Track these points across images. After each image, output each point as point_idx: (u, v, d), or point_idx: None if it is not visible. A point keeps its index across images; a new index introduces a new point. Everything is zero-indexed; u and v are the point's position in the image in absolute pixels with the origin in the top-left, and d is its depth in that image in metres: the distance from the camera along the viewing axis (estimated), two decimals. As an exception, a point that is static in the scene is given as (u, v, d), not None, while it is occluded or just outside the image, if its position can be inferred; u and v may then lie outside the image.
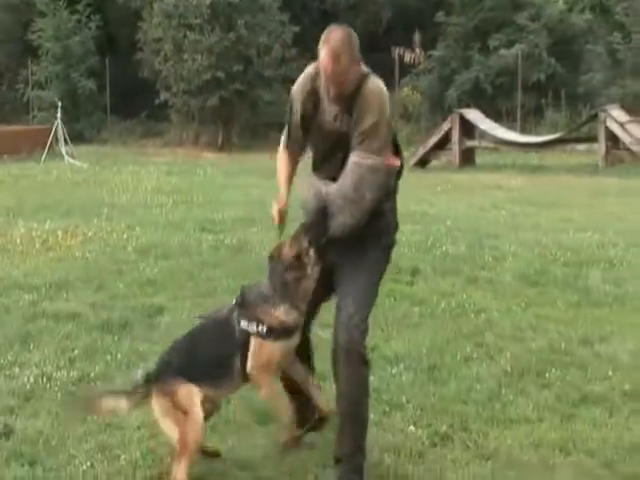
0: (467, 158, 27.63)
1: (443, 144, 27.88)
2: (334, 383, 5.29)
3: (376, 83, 5.10)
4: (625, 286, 9.78)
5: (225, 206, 15.84)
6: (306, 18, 39.06)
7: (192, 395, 4.89)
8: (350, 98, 5.02)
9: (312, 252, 5.02)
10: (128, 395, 5.05)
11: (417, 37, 38.48)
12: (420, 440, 5.85)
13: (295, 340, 5.13)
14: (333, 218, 5.01)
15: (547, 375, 7.07)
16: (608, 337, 8.04)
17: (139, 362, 6.98)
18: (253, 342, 4.94)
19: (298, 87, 5.26)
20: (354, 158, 5.00)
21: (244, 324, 4.95)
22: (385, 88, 5.18)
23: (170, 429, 4.91)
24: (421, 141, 29.37)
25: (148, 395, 4.99)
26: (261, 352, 4.95)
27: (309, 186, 5.27)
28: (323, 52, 4.91)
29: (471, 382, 6.98)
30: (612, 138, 24.11)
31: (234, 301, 5.11)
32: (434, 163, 28.05)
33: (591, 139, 25.77)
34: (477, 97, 34.46)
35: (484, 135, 28.05)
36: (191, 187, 19.40)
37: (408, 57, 38.46)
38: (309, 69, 5.25)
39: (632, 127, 23.94)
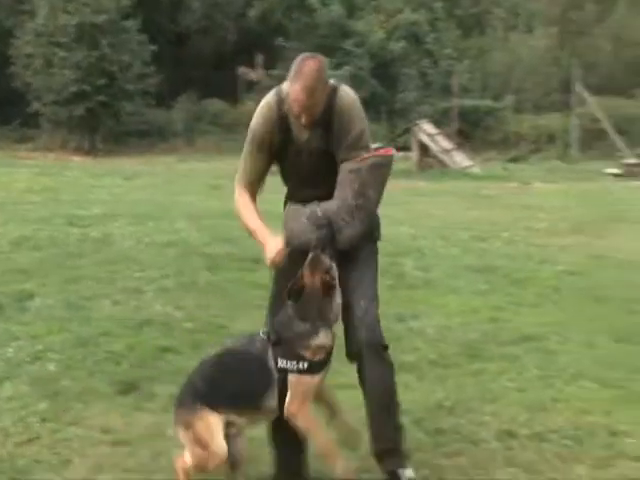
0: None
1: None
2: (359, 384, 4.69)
3: (346, 93, 4.52)
4: (432, 272, 10.05)
5: (91, 203, 15.50)
6: (162, 39, 38.94)
7: (212, 428, 4.17)
8: (323, 115, 4.42)
9: (334, 270, 4.35)
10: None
11: (259, 58, 38.68)
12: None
13: (330, 363, 4.45)
14: (340, 233, 4.42)
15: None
16: (418, 315, 8.16)
17: (10, 341, 6.89)
18: (291, 379, 4.26)
19: (261, 119, 4.56)
20: (349, 167, 4.44)
21: (282, 363, 4.24)
22: (354, 93, 4.58)
23: (190, 456, 4.23)
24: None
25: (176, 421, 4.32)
26: (299, 387, 4.26)
27: (294, 217, 4.58)
28: (297, 86, 4.29)
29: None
30: (423, 147, 25.06)
31: (264, 336, 4.34)
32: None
33: (406, 148, 26.33)
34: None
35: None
36: (60, 186, 18.93)
37: (252, 75, 38.66)
38: (269, 98, 4.57)
39: (439, 138, 25.05)
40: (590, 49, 36.29)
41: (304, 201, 4.54)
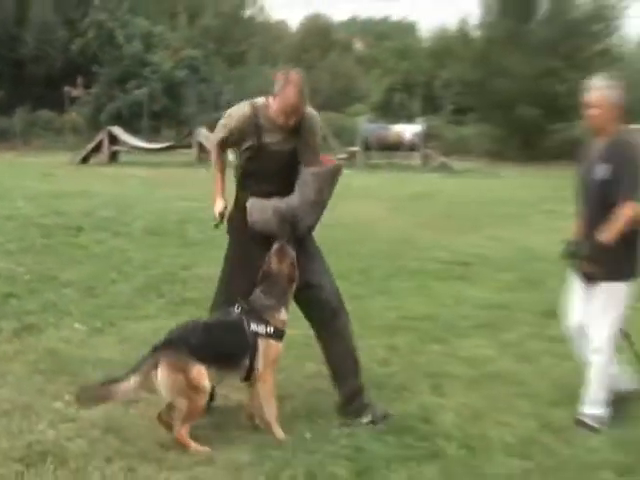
0: (113, 158, 29.34)
1: (98, 148, 29.15)
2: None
3: (310, 107, 4.40)
4: (208, 233, 9.07)
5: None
6: (3, 64, 40.33)
7: (202, 375, 4.02)
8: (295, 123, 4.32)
9: (295, 259, 4.29)
10: (135, 371, 4.01)
11: (80, 80, 41.29)
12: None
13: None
14: (300, 223, 4.37)
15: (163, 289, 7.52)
16: (198, 263, 8.57)
17: None
18: (261, 343, 4.18)
19: (239, 117, 4.38)
20: (311, 170, 4.36)
21: (254, 326, 4.16)
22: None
23: (179, 402, 4.01)
24: (83, 146, 30.41)
25: (156, 364, 4.01)
26: (269, 351, 4.17)
27: (260, 209, 4.37)
28: (291, 90, 4.20)
29: (117, 295, 7.19)
30: (201, 146, 27.25)
31: (239, 308, 4.22)
32: (93, 161, 28.94)
33: (189, 146, 28.57)
34: (119, 119, 36.82)
35: (124, 143, 29.66)
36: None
37: (74, 93, 41.48)
38: (244, 109, 4.41)
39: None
40: (314, 78, 41.87)
41: (263, 195, 4.38)
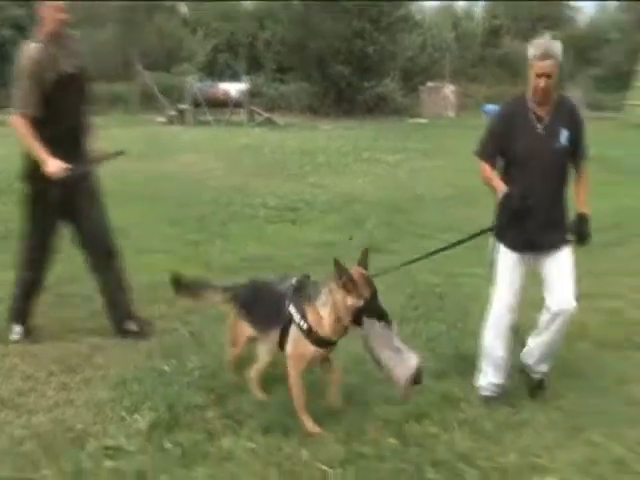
0: None
1: None
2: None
3: None
4: None
5: None
6: None
7: (244, 330, 3.86)
8: None
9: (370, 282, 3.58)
10: (220, 293, 4.01)
11: None
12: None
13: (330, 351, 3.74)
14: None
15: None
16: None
17: None
18: (293, 331, 3.65)
19: (33, 62, 4.31)
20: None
21: (292, 310, 3.64)
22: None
23: (238, 334, 3.88)
24: None
25: (227, 302, 3.95)
26: (297, 345, 3.62)
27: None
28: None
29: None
30: None
31: (294, 281, 3.77)
32: None
33: None
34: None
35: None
36: None
37: None
38: (32, 52, 4.33)
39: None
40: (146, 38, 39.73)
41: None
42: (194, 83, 26.35)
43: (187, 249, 7.25)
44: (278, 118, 25.09)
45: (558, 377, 4.24)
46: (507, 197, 3.73)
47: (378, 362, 3.48)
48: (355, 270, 3.59)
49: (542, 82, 3.69)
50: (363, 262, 3.71)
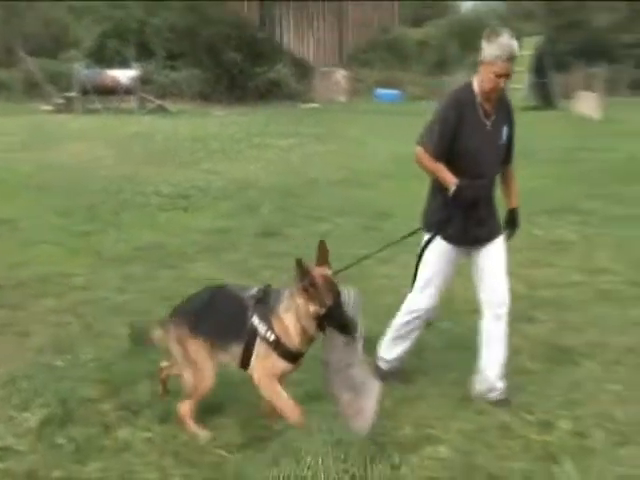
0: None
1: None
2: None
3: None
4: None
5: None
6: None
7: (201, 350, 3.36)
8: None
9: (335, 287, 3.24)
10: (161, 326, 3.55)
11: None
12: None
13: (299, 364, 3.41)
14: None
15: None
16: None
17: None
18: (259, 345, 3.32)
19: None
20: None
21: (256, 321, 3.31)
22: None
23: (186, 374, 3.42)
24: None
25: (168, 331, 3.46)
26: (266, 361, 3.29)
27: None
28: None
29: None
30: None
31: (255, 290, 3.42)
32: None
33: None
34: None
35: None
36: None
37: None
38: None
39: None
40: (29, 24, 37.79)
41: None
42: (81, 70, 25.39)
43: (77, 240, 7.09)
44: (170, 105, 24.59)
45: (448, 350, 4.38)
46: (460, 189, 3.69)
47: (336, 403, 3.34)
48: (317, 272, 3.22)
49: (502, 82, 3.67)
50: (324, 259, 3.32)
